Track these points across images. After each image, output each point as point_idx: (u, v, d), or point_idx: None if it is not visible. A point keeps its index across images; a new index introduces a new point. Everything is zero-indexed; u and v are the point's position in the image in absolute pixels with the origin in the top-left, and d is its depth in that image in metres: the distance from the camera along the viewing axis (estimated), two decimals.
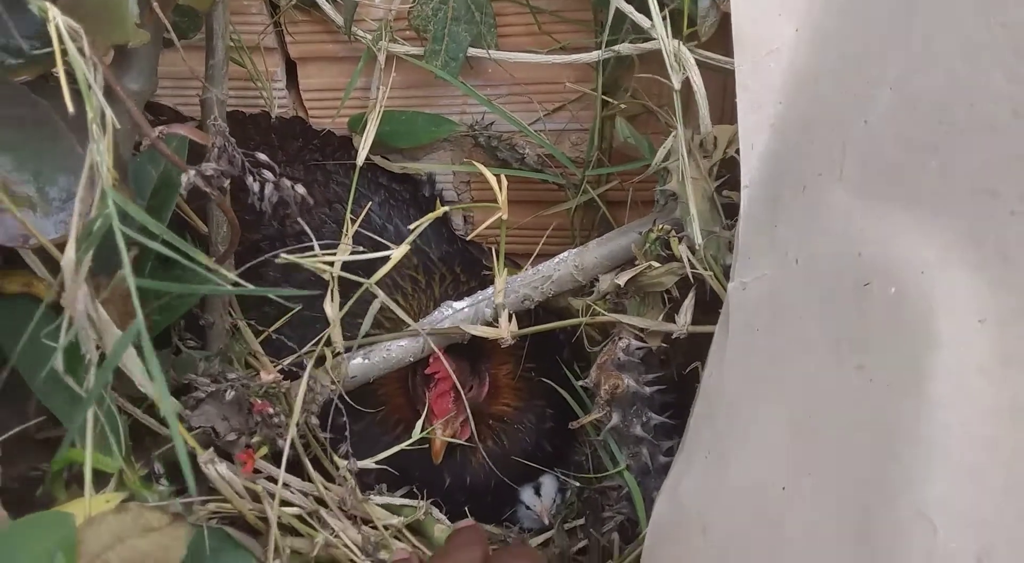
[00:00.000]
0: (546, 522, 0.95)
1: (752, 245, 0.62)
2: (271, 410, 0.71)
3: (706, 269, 0.69)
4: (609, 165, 0.91)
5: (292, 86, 0.96)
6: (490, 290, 0.83)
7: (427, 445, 0.84)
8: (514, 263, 0.97)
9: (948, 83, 0.46)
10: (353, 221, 0.77)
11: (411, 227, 0.76)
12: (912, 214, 0.48)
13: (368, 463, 0.77)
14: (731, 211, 0.69)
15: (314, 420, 0.76)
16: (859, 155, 0.53)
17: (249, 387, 0.71)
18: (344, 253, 0.74)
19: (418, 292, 0.91)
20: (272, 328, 0.82)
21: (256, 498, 0.69)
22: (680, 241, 0.70)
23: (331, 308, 0.76)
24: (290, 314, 0.81)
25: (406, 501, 0.84)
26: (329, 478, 0.78)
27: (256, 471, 0.71)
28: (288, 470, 0.73)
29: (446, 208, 0.80)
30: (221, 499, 0.67)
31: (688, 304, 0.71)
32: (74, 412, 0.63)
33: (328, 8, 0.86)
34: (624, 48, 0.78)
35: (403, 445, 0.79)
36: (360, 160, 0.83)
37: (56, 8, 0.47)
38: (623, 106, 0.83)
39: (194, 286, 0.62)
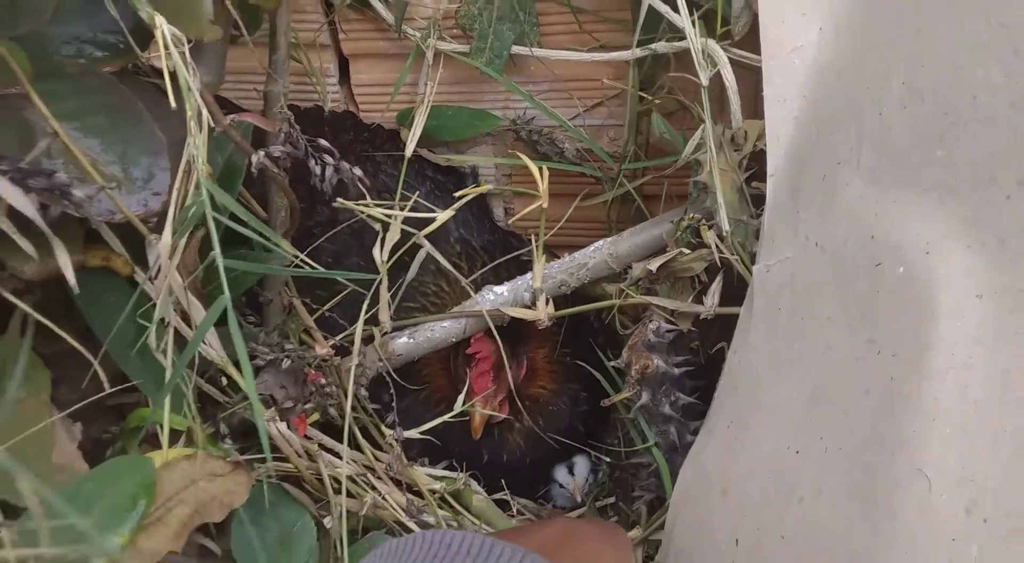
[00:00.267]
0: (579, 500, 1.00)
1: (776, 230, 0.66)
2: (323, 380, 0.77)
3: (733, 255, 0.73)
4: (646, 160, 0.95)
5: (344, 81, 1.02)
6: (529, 276, 0.88)
7: (467, 421, 0.89)
8: (553, 254, 1.01)
9: (952, 77, 0.50)
10: (402, 209, 0.82)
11: (456, 195, 0.81)
12: (920, 200, 0.52)
13: (413, 433, 0.83)
14: (759, 201, 0.73)
15: (363, 392, 0.81)
16: (874, 145, 0.56)
17: (304, 358, 0.76)
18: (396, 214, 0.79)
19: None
20: (326, 307, 0.88)
21: (311, 458, 0.74)
22: (710, 229, 0.74)
23: (379, 254, 0.80)
24: (341, 295, 0.87)
25: (447, 473, 0.89)
26: (377, 447, 0.83)
27: (307, 437, 0.76)
28: (337, 437, 0.79)
29: (489, 187, 0.84)
30: (280, 458, 0.73)
31: (716, 287, 0.75)
32: (148, 377, 0.69)
33: (380, 7, 0.91)
34: (659, 46, 0.83)
35: (445, 417, 0.84)
36: (408, 152, 0.88)
37: (162, 17, 0.52)
38: (658, 102, 0.88)
39: (271, 266, 0.68)
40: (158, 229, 0.62)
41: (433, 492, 0.82)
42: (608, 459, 0.94)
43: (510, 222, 1.07)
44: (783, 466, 0.56)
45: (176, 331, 0.66)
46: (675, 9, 0.78)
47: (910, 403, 0.47)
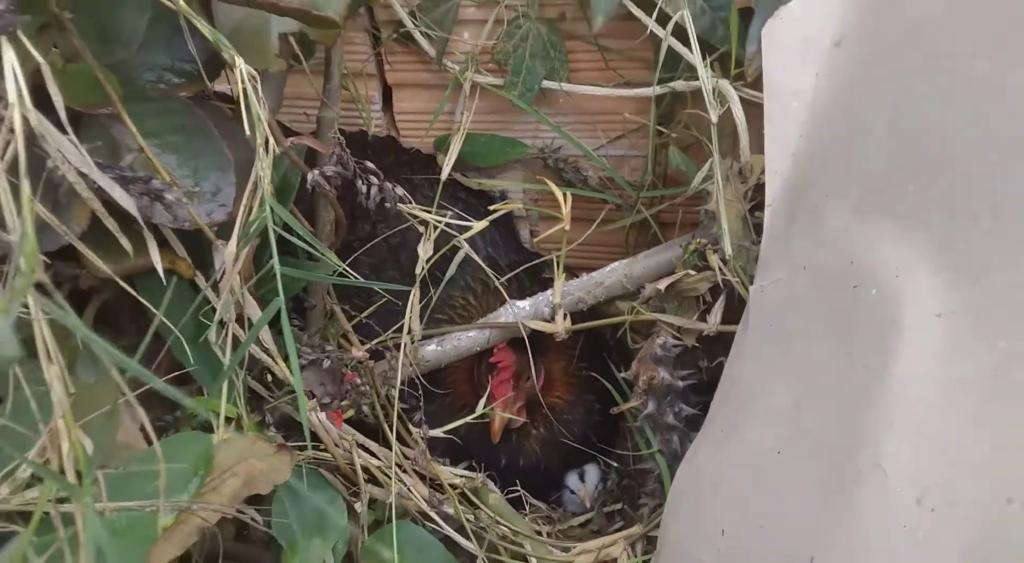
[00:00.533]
0: (588, 505, 1.06)
1: (771, 255, 0.73)
2: (359, 380, 0.85)
3: (735, 277, 0.80)
4: (662, 189, 1.02)
5: (387, 108, 1.10)
6: (549, 292, 0.95)
7: (487, 425, 0.96)
8: (573, 274, 1.08)
9: (925, 123, 0.57)
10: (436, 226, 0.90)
11: (490, 207, 0.89)
12: (894, 228, 0.59)
13: (437, 432, 0.90)
14: (762, 229, 0.80)
15: (394, 393, 0.89)
16: (858, 180, 0.64)
17: (342, 360, 0.84)
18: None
19: (487, 293, 1.03)
20: (363, 314, 0.96)
21: (346, 449, 0.82)
22: (714, 253, 0.81)
23: (423, 249, 0.87)
24: (377, 305, 0.95)
25: (466, 473, 0.96)
26: (404, 444, 0.90)
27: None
28: (368, 435, 0.87)
29: (518, 205, 0.91)
30: (318, 445, 0.80)
31: (718, 306, 0.82)
32: (204, 369, 0.77)
33: (423, 41, 0.99)
34: (678, 85, 0.90)
35: (467, 418, 0.91)
36: (444, 175, 0.96)
37: (240, 58, 0.61)
38: (675, 136, 0.95)
39: (319, 274, 0.76)
40: (221, 236, 0.71)
41: (454, 487, 0.89)
42: (616, 464, 1.01)
43: (535, 242, 1.14)
44: (767, 466, 0.62)
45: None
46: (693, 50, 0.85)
47: (874, 407, 0.54)
